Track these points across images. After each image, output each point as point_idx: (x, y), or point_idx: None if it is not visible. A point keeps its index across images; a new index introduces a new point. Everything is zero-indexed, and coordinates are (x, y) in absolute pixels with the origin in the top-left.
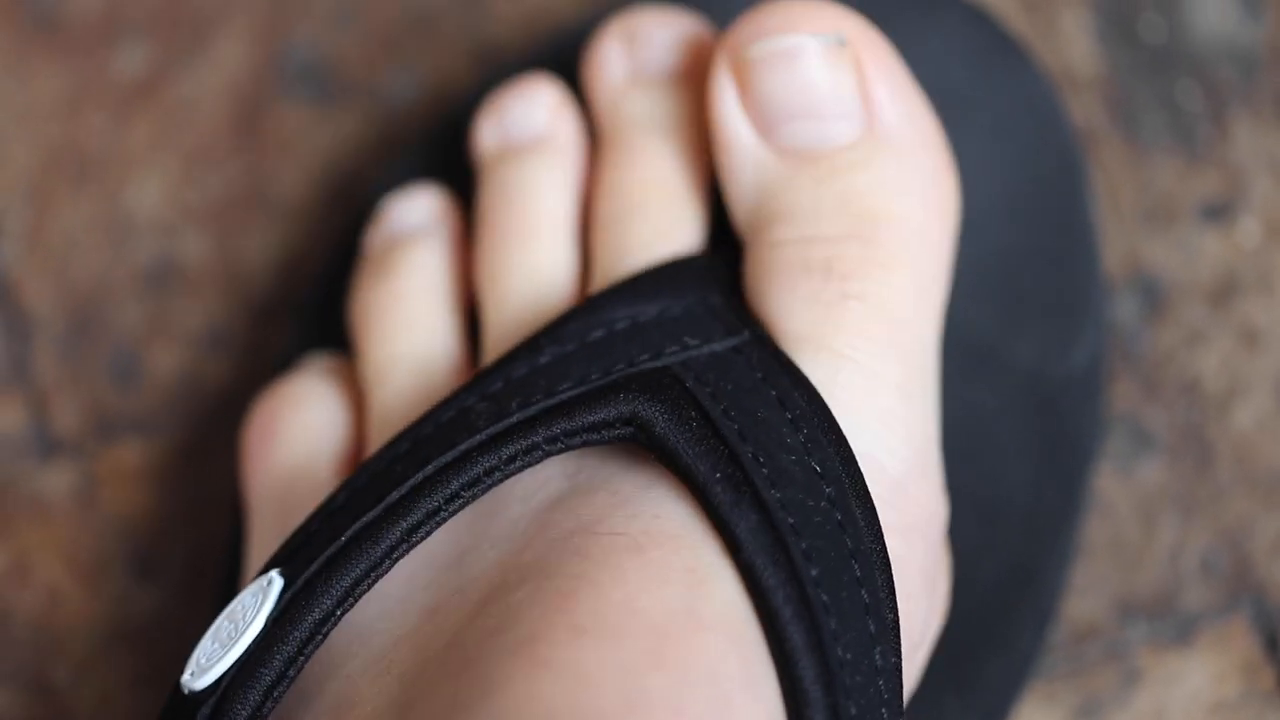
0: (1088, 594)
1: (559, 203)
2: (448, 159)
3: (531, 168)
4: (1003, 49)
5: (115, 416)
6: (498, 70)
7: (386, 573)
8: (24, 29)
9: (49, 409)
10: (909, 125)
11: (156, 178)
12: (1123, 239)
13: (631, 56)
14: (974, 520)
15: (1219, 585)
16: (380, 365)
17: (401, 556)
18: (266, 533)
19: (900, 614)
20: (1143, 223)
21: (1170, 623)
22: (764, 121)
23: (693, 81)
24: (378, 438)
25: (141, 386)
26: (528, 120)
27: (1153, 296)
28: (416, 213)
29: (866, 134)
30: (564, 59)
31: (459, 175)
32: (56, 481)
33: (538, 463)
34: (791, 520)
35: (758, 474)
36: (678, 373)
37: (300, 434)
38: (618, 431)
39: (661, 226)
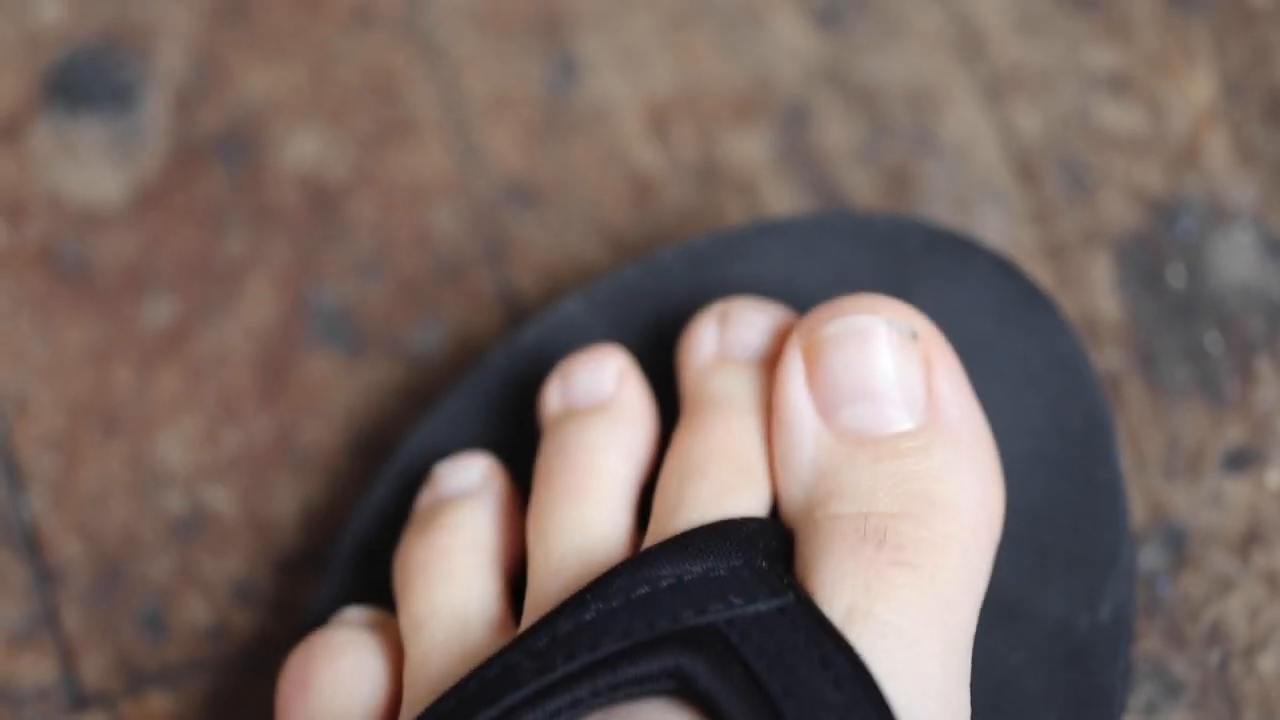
0: None
1: (617, 463)
2: (473, 412)
3: (592, 428)
4: (1031, 301)
5: (143, 668)
6: (524, 323)
7: None
8: (53, 280)
9: (77, 661)
10: (967, 425)
11: (184, 430)
12: (1147, 487)
13: (722, 336)
14: None
15: None
16: (418, 617)
17: None
18: None
19: None
20: (1168, 471)
21: None
22: (828, 402)
23: (770, 364)
24: (412, 690)
25: (169, 638)
26: (593, 384)
27: (1178, 545)
28: (467, 476)
29: (927, 424)
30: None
31: (485, 428)
32: None
33: (581, 716)
34: None
35: None
36: (722, 629)
37: (336, 686)
38: (661, 685)
39: (720, 489)
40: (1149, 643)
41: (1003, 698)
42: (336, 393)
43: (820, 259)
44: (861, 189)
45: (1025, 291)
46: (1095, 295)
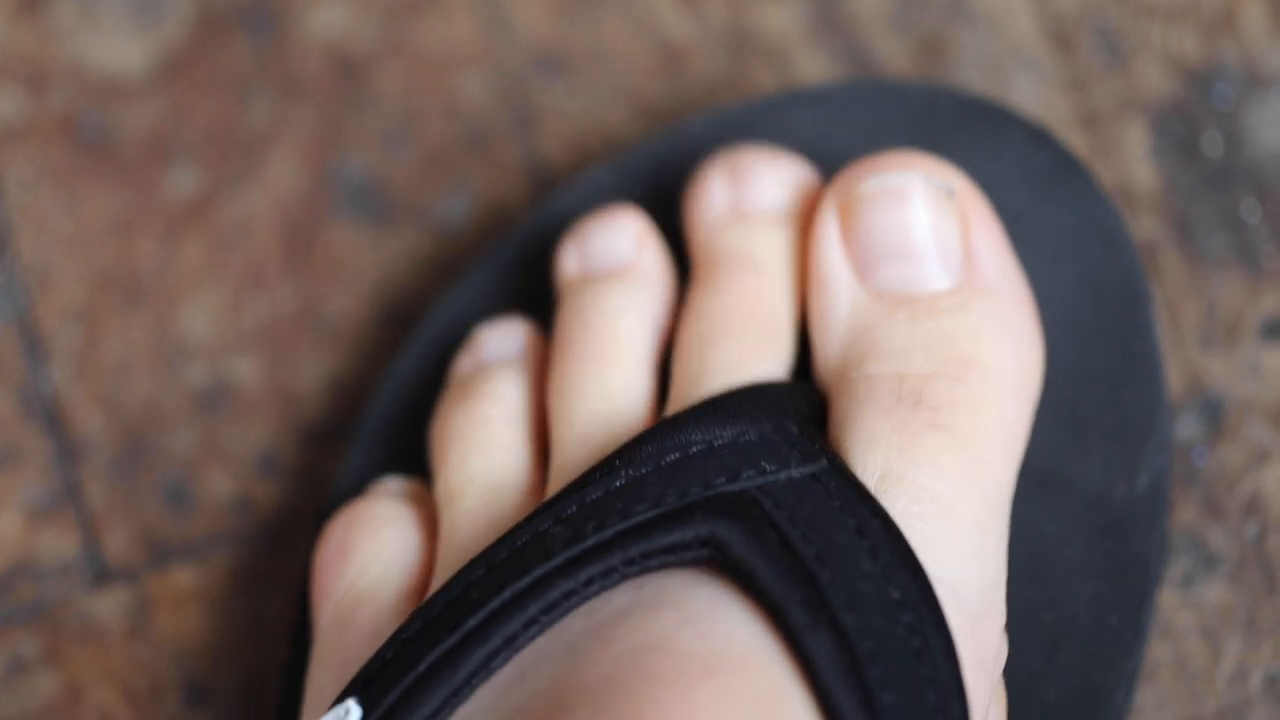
0: (1153, 717)
1: (637, 327)
2: (501, 282)
3: (611, 292)
4: (1066, 170)
5: (167, 541)
6: (553, 191)
7: (467, 699)
8: (76, 151)
9: (100, 534)
10: (1005, 282)
11: (207, 301)
12: (1184, 357)
13: (733, 192)
14: (1038, 644)
15: None
16: (454, 486)
17: (481, 684)
18: (334, 655)
19: None
20: (1204, 341)
21: None
22: (864, 261)
23: (791, 220)
24: (446, 559)
25: (193, 511)
26: (611, 248)
27: (1215, 415)
28: (507, 342)
29: (964, 283)
30: (618, 182)
31: (513, 297)
32: (109, 607)
33: (615, 585)
34: (868, 646)
35: (835, 598)
36: (755, 496)
37: (375, 556)
38: (694, 553)
39: (744, 352)
40: (1185, 514)
41: (1039, 567)
42: (362, 263)
43: (851, 127)
44: (893, 57)
45: (1060, 160)
46: (1130, 164)
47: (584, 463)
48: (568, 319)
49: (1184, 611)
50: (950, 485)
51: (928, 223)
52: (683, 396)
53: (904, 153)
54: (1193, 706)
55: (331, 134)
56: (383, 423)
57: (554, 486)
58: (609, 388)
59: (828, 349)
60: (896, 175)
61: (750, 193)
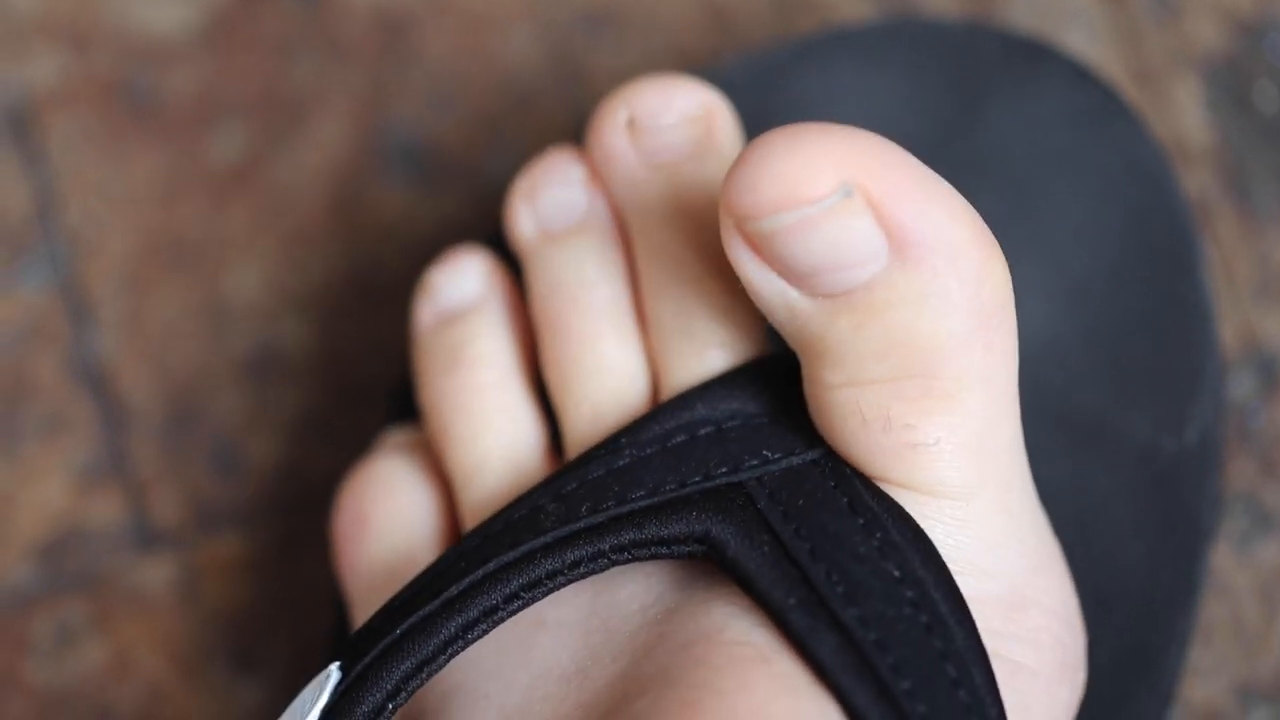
0: (1208, 677)
1: (615, 287)
2: None
3: (579, 256)
4: (1111, 110)
5: (215, 507)
6: None
7: (441, 668)
8: (120, 114)
9: (148, 500)
10: (938, 234)
11: (255, 263)
12: (1238, 313)
13: (637, 144)
14: (1088, 604)
15: None
16: (468, 467)
17: (459, 651)
18: None
19: (1042, 707)
20: (1259, 297)
21: None
22: (790, 276)
23: (700, 159)
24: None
25: (241, 476)
26: (564, 201)
27: (1270, 373)
28: (466, 284)
29: (896, 261)
30: None
31: None
32: (156, 574)
33: (603, 570)
34: (874, 636)
35: (833, 594)
36: (752, 491)
37: (394, 521)
38: (688, 548)
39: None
40: (1241, 473)
41: (1087, 525)
42: (410, 224)
43: (891, 68)
44: (943, 12)
45: (1105, 100)
46: (1182, 119)
47: (596, 437)
48: (543, 290)
49: (1240, 572)
50: (955, 485)
51: (841, 236)
52: (677, 350)
53: (782, 162)
54: (1248, 667)
55: (378, 95)
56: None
57: (569, 458)
58: (607, 362)
59: (785, 337)
60: (789, 214)
61: (653, 143)
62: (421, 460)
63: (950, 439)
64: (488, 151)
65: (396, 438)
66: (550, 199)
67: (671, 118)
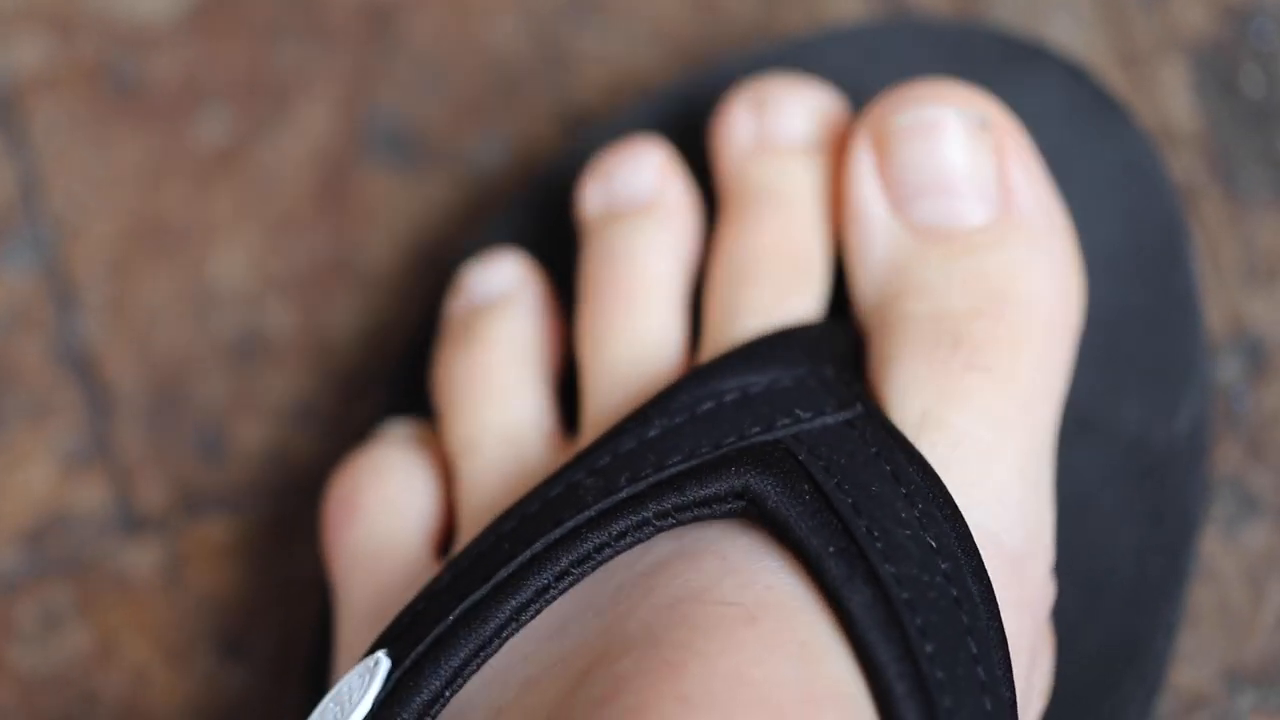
0: (1195, 662)
1: (666, 267)
2: (535, 224)
3: (638, 231)
4: (1103, 107)
5: (200, 492)
6: (585, 133)
7: (496, 651)
8: (105, 97)
9: (133, 485)
10: (1042, 213)
11: (240, 247)
12: (1224, 298)
13: (760, 123)
14: (1078, 590)
15: None
16: (468, 438)
17: (511, 635)
18: (358, 610)
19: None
20: (1245, 281)
21: None
22: (899, 195)
23: (820, 152)
24: (470, 508)
25: (226, 461)
26: (635, 183)
27: (1256, 357)
28: (498, 280)
29: (1001, 216)
30: (651, 123)
31: (547, 240)
32: (142, 559)
33: (649, 538)
34: (906, 596)
35: (872, 548)
36: (790, 446)
37: (385, 507)
38: (729, 505)
39: (777, 292)
40: (1227, 457)
41: (1079, 513)
42: (395, 208)
43: (886, 68)
44: (932, 7)
45: (1097, 98)
46: (1170, 103)
47: (619, 408)
48: (595, 259)
49: (1226, 556)
50: (991, 428)
51: (963, 156)
52: (716, 338)
53: (937, 83)
54: (1235, 651)
55: (363, 79)
56: (407, 370)
57: (590, 433)
58: (641, 332)
59: (864, 285)
60: (930, 108)
61: (776, 123)
62: (420, 452)
63: (1003, 372)
64: (473, 137)
65: (396, 429)
66: (621, 179)
67: (797, 107)
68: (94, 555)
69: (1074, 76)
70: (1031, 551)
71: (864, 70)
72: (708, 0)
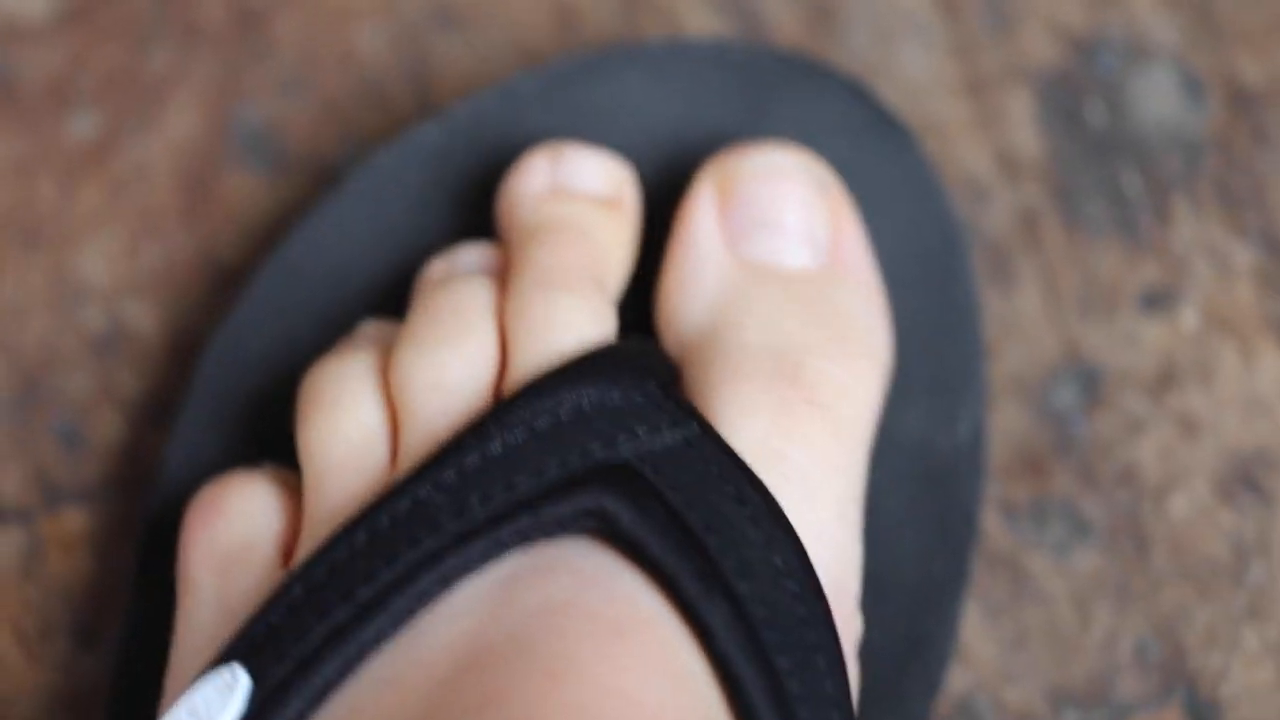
0: (1021, 682)
1: (486, 297)
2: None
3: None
4: (884, 125)
5: (60, 484)
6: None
7: (357, 672)
8: None
9: None
10: (866, 270)
11: (105, 245)
12: (1063, 327)
13: (554, 174)
14: (866, 590)
15: (1153, 675)
16: (314, 444)
17: (371, 655)
18: (204, 607)
19: None
20: (1083, 311)
21: (1103, 712)
22: (736, 230)
23: (612, 207)
24: (314, 516)
25: (86, 454)
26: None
27: (1092, 385)
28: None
29: (830, 266)
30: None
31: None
32: (1, 548)
33: (500, 555)
34: (761, 613)
35: (726, 566)
36: (636, 466)
37: (242, 509)
38: (583, 524)
39: (584, 304)
40: (1060, 482)
41: (866, 517)
42: (257, 211)
43: (676, 84)
44: (783, 18)
45: (878, 116)
46: (1014, 132)
47: (432, 427)
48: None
49: (1056, 578)
50: (819, 466)
51: (801, 201)
52: (527, 352)
53: (785, 144)
54: (1061, 672)
55: (231, 82)
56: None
57: (405, 445)
58: (457, 362)
59: (691, 312)
60: (778, 156)
61: (571, 175)
62: (282, 479)
63: (836, 410)
64: (335, 142)
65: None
66: (589, 170)
67: (593, 166)
68: None
69: (856, 95)
70: (846, 589)
71: (653, 87)
72: (569, 11)
